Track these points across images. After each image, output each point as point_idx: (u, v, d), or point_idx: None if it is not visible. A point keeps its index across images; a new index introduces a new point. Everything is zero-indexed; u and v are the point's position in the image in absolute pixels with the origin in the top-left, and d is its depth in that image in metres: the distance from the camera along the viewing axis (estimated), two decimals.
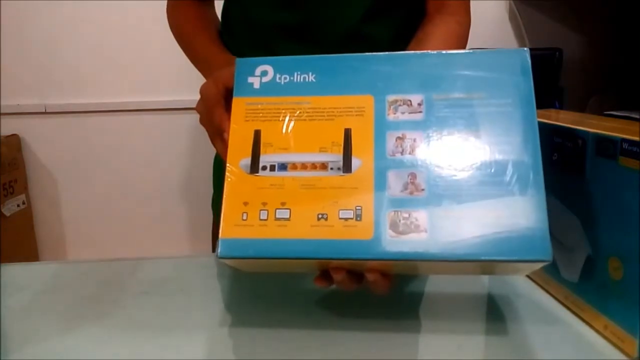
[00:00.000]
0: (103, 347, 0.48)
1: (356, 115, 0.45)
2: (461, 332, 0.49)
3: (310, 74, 0.47)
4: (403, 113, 0.45)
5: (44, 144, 1.86)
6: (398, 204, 0.42)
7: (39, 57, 1.79)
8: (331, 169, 0.44)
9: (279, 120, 0.46)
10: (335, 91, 0.47)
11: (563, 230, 0.52)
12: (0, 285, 0.61)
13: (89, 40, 1.79)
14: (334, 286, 0.47)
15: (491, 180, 0.42)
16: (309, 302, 0.54)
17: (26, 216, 1.85)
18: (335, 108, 0.46)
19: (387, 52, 0.48)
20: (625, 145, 0.44)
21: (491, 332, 0.49)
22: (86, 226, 1.93)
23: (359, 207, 0.43)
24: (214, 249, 0.86)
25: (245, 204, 0.44)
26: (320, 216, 0.43)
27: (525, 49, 0.46)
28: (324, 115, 0.46)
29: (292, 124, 0.46)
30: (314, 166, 0.45)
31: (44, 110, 1.83)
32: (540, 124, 0.55)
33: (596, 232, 0.48)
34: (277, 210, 0.44)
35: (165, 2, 0.80)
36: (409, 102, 0.45)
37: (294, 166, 0.45)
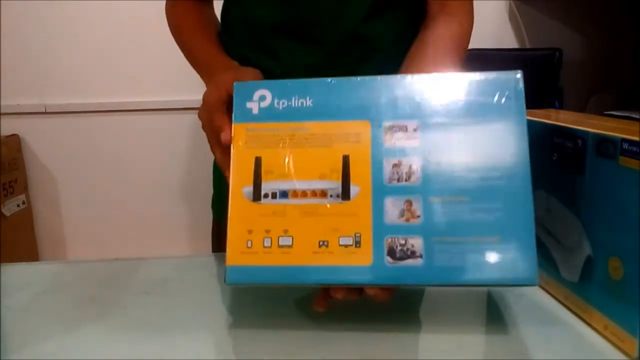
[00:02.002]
0: (103, 347, 0.48)
1: (354, 141, 0.46)
2: (461, 332, 0.49)
3: (307, 98, 0.48)
4: (399, 139, 0.46)
5: (44, 144, 1.87)
6: (395, 230, 0.44)
7: (39, 57, 1.79)
8: (330, 196, 0.45)
9: (278, 146, 0.47)
10: (333, 116, 0.47)
11: (563, 230, 0.52)
12: (0, 285, 0.61)
13: (89, 40, 1.79)
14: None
15: (482, 207, 0.43)
16: (309, 302, 0.54)
17: (26, 216, 1.85)
18: (333, 134, 0.47)
19: (382, 76, 0.48)
20: (625, 145, 0.44)
21: (491, 332, 0.49)
22: (86, 226, 1.93)
23: (358, 234, 0.44)
24: (214, 249, 0.86)
25: (250, 231, 0.46)
26: (321, 243, 0.45)
27: (519, 72, 0.46)
28: (322, 142, 0.47)
29: (291, 150, 0.47)
30: (314, 193, 0.46)
31: (44, 110, 1.83)
32: (540, 124, 0.56)
33: (596, 232, 0.48)
34: (280, 238, 0.45)
35: (165, 1, 0.80)
36: (404, 128, 0.46)
37: (295, 193, 0.46)
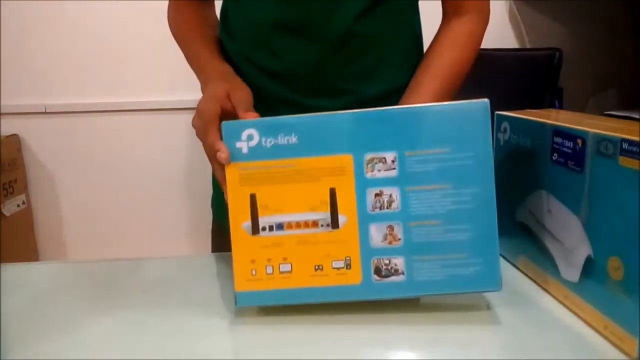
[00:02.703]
0: (103, 347, 0.48)
1: (338, 174, 0.51)
2: (461, 332, 0.49)
3: (292, 135, 0.51)
4: (379, 170, 0.50)
5: (44, 144, 1.86)
6: (380, 252, 0.51)
7: (39, 57, 1.79)
8: (321, 225, 0.51)
9: (270, 183, 0.51)
10: (318, 152, 0.51)
11: (563, 230, 0.53)
12: (0, 285, 0.61)
13: (89, 40, 1.79)
14: None
15: (453, 229, 0.50)
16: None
17: (26, 216, 1.85)
18: (319, 168, 0.51)
19: (361, 110, 0.51)
20: (625, 145, 0.44)
21: (491, 332, 0.49)
22: (86, 226, 1.93)
23: (348, 258, 0.51)
24: (213, 249, 0.86)
25: (253, 261, 0.52)
26: (316, 267, 0.51)
27: (485, 100, 0.50)
28: (310, 176, 0.51)
29: (282, 186, 0.51)
30: (306, 224, 0.51)
31: (44, 110, 1.83)
32: (540, 124, 0.56)
33: (596, 232, 0.48)
34: (280, 265, 0.51)
35: (166, 2, 0.81)
36: (384, 160, 0.50)
37: (290, 225, 0.51)
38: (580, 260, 0.50)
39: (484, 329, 0.50)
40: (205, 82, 0.68)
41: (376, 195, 0.50)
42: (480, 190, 0.50)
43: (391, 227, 0.50)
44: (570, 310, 0.52)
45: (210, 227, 0.89)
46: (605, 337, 0.47)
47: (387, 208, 0.50)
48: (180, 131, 1.85)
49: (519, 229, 0.61)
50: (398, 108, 0.51)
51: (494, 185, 0.50)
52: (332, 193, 0.51)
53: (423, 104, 0.52)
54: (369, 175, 0.50)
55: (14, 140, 1.81)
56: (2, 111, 1.80)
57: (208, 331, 0.51)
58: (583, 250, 0.49)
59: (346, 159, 0.51)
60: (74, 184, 1.90)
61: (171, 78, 1.77)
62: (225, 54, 0.77)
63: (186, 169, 1.90)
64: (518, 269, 0.62)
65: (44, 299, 0.58)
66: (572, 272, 0.51)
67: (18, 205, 1.79)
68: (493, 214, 0.50)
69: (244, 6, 0.74)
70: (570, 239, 0.51)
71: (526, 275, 0.60)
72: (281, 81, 0.73)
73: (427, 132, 0.50)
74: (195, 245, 1.93)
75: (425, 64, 0.73)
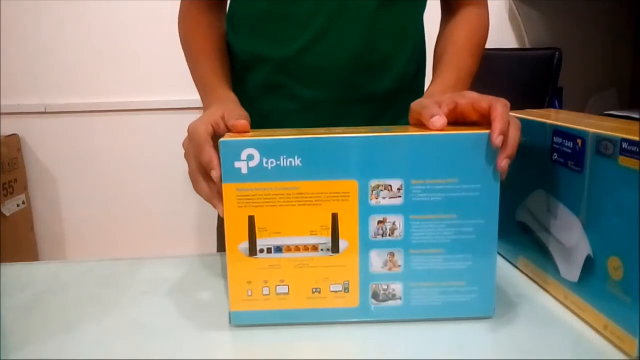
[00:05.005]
0: (103, 347, 0.48)
1: (342, 200, 0.49)
2: (461, 331, 0.49)
3: (296, 157, 0.48)
4: (384, 198, 0.49)
5: (44, 144, 1.87)
6: (379, 278, 0.50)
7: (39, 57, 1.79)
8: (321, 250, 0.50)
9: (270, 206, 0.49)
10: (322, 176, 0.48)
11: (563, 230, 0.53)
12: (0, 285, 0.61)
13: (89, 40, 1.79)
14: None
15: (454, 258, 0.50)
16: None
17: (26, 216, 1.85)
18: (322, 193, 0.49)
19: (369, 135, 0.48)
20: (625, 145, 0.44)
21: (491, 331, 0.49)
22: (86, 226, 1.93)
23: (347, 282, 0.50)
24: (218, 248, 0.86)
25: (249, 282, 0.50)
26: (314, 290, 0.51)
27: (489, 132, 0.48)
28: (312, 201, 0.49)
29: (283, 209, 0.49)
30: (306, 248, 0.50)
31: (44, 110, 1.83)
32: (540, 124, 0.56)
33: (596, 232, 0.48)
34: (277, 287, 0.50)
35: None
36: (389, 187, 0.49)
37: (289, 248, 0.50)
38: (580, 260, 0.50)
39: (483, 328, 0.50)
40: (206, 107, 0.67)
41: (379, 222, 0.49)
42: (484, 222, 0.49)
43: (392, 254, 0.50)
44: (570, 310, 0.52)
45: (215, 224, 0.89)
46: (605, 337, 0.47)
47: (389, 235, 0.49)
48: (180, 131, 1.84)
49: (519, 229, 0.61)
50: (406, 135, 0.49)
51: (498, 215, 0.49)
52: (335, 219, 0.49)
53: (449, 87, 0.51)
54: (373, 202, 0.49)
55: (14, 140, 1.81)
56: (2, 111, 1.80)
57: (208, 332, 0.51)
58: (583, 250, 0.49)
59: (351, 185, 0.48)
60: (74, 184, 1.90)
61: (171, 78, 1.78)
62: (231, 50, 0.77)
63: (187, 169, 1.90)
64: (518, 269, 0.62)
65: (44, 299, 0.58)
66: (572, 272, 0.51)
67: (18, 205, 1.79)
68: (494, 245, 0.50)
69: (250, 4, 0.74)
70: (570, 239, 0.51)
71: (526, 275, 0.60)
72: (286, 72, 0.73)
73: (436, 161, 0.48)
74: (198, 244, 1.94)
75: (441, 70, 0.72)
